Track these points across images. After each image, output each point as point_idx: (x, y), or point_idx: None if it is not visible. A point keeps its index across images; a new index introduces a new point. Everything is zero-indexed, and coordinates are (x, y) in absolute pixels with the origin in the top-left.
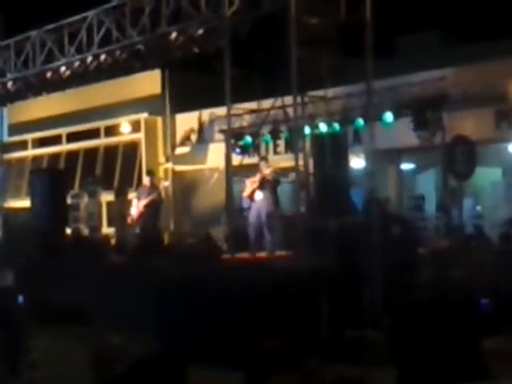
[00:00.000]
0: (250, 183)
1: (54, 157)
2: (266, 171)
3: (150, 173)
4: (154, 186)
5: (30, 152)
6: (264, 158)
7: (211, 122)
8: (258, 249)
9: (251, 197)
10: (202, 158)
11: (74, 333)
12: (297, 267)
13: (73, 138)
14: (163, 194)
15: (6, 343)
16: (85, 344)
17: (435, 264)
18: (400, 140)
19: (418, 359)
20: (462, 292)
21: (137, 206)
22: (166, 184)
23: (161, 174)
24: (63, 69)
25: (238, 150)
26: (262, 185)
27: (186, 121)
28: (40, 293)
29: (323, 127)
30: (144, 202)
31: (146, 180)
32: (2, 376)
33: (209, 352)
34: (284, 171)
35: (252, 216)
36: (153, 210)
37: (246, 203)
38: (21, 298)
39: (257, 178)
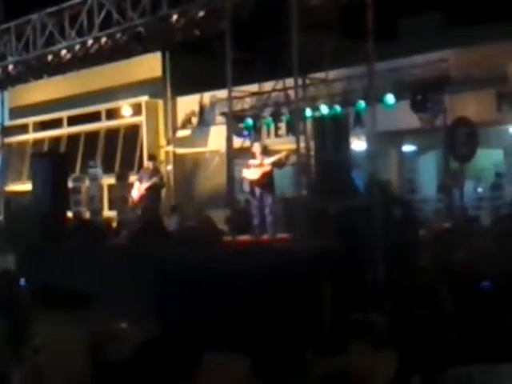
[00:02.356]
0: (257, 167)
1: (55, 140)
2: (268, 159)
3: (153, 157)
4: (156, 170)
5: (31, 135)
6: (256, 139)
7: (212, 104)
8: (260, 231)
9: (261, 183)
10: (203, 141)
11: (77, 317)
12: (299, 250)
13: (74, 121)
14: (165, 177)
15: (8, 327)
16: (87, 328)
17: (437, 246)
18: (401, 122)
19: (419, 342)
20: (463, 274)
21: (138, 188)
22: (169, 168)
23: (162, 156)
24: (64, 52)
25: (245, 132)
26: (273, 170)
27: (187, 103)
28: (42, 276)
29: (324, 109)
30: (146, 184)
31: (148, 163)
32: (6, 360)
33: (210, 335)
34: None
35: (255, 199)
36: (154, 193)
37: (246, 186)
38: (23, 282)
39: (260, 161)
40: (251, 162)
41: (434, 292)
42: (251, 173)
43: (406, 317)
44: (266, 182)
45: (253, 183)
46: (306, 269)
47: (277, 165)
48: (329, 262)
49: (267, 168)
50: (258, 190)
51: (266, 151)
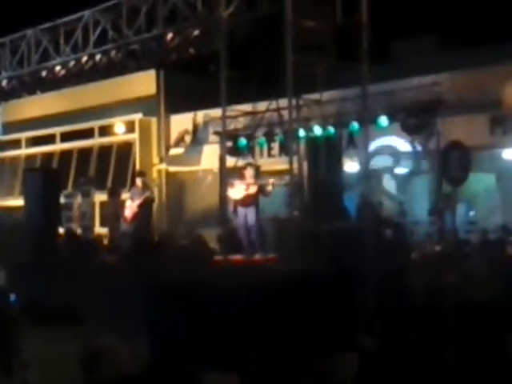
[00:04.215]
0: (242, 187)
1: (48, 156)
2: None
3: (141, 174)
4: (146, 186)
5: (24, 151)
6: (250, 164)
7: (206, 123)
8: (250, 251)
9: (245, 203)
10: (196, 160)
11: (67, 333)
12: (288, 271)
13: (67, 137)
14: (157, 194)
15: None
16: (77, 344)
17: (428, 269)
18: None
19: (409, 365)
20: (455, 298)
21: (130, 206)
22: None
23: (154, 174)
24: (58, 68)
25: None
26: (259, 193)
27: (181, 122)
28: (32, 292)
29: (318, 130)
30: (138, 201)
31: (138, 181)
32: None
33: (199, 354)
34: (278, 174)
35: (240, 219)
36: (146, 209)
37: (230, 206)
38: (13, 298)
39: (247, 181)
40: (237, 181)
41: (425, 315)
42: (235, 192)
43: (397, 339)
44: (250, 202)
45: (236, 203)
46: (293, 290)
47: (262, 192)
48: (317, 284)
49: (252, 191)
50: (241, 210)
51: (258, 172)
